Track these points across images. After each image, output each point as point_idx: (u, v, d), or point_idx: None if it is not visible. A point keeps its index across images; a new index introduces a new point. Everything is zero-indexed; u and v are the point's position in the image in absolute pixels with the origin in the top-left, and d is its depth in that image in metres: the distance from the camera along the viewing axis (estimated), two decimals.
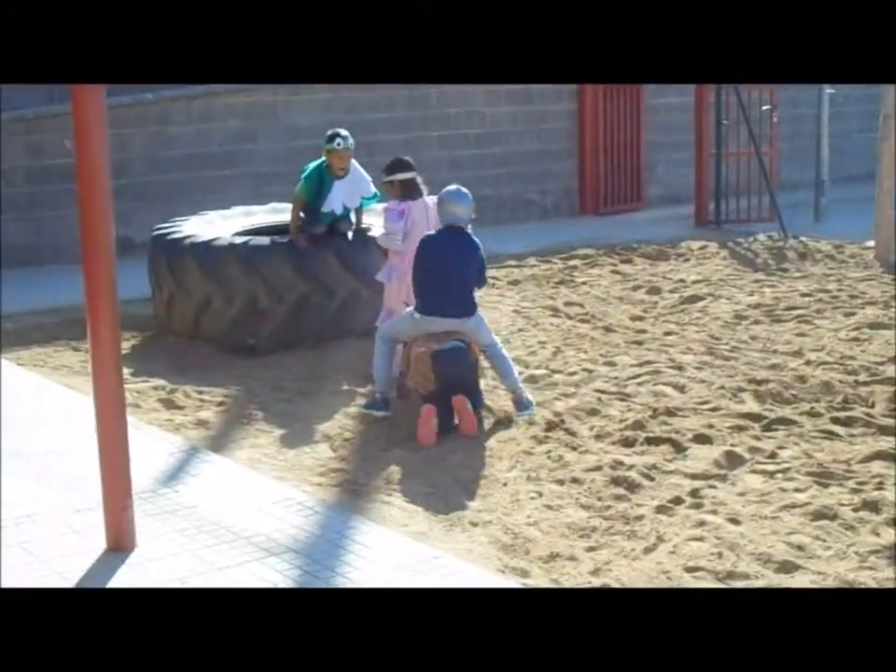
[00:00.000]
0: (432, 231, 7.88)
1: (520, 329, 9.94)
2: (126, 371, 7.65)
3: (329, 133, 9.22)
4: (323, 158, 9.23)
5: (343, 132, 9.21)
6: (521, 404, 7.58)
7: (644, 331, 9.82)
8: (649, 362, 8.78)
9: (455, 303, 7.60)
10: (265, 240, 9.45)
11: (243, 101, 14.25)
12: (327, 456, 6.95)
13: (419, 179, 8.65)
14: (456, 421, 7.32)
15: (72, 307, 10.16)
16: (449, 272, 7.61)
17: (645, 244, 13.74)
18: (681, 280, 11.78)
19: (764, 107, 15.65)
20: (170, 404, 7.97)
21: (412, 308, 7.74)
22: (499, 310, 10.65)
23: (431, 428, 7.18)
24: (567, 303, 10.85)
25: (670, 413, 7.52)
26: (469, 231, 7.84)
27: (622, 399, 7.93)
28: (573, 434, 7.18)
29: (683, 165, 17.23)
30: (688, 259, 13.03)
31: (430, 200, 8.74)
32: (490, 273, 12.07)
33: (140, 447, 6.40)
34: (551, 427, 7.30)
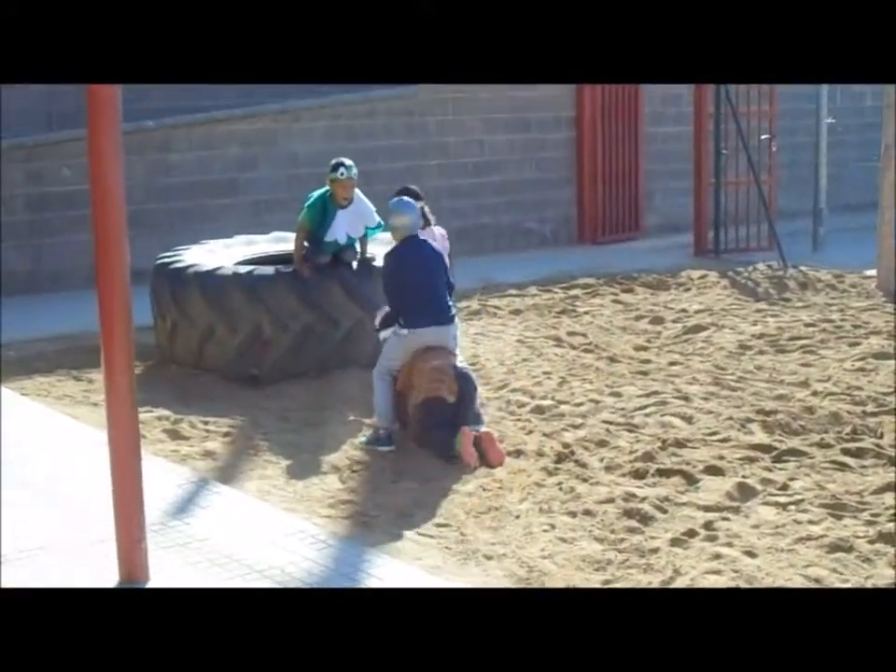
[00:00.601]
0: (390, 247, 7.91)
1: (524, 360, 9.90)
2: None
3: (333, 162, 9.20)
4: (326, 187, 9.21)
5: (347, 161, 9.19)
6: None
7: (649, 361, 9.80)
8: (655, 393, 8.75)
9: (442, 311, 7.71)
10: (269, 269, 9.42)
11: (243, 128, 14.25)
12: (336, 488, 6.91)
13: (427, 209, 8.66)
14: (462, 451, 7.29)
15: (72, 335, 10.16)
16: (428, 281, 7.71)
17: (645, 273, 13.73)
18: (683, 310, 11.77)
19: (763, 136, 15.68)
20: (175, 434, 7.92)
21: (392, 329, 7.74)
22: (503, 339, 10.62)
23: (474, 449, 7.23)
24: (571, 333, 10.82)
25: (679, 444, 7.49)
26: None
27: (630, 430, 7.89)
28: (583, 466, 7.14)
29: (681, 194, 17.24)
30: (689, 289, 13.02)
31: (438, 229, 8.74)
32: (491, 302, 12.19)
33: (148, 478, 6.33)
34: (561, 458, 7.27)
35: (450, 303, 7.86)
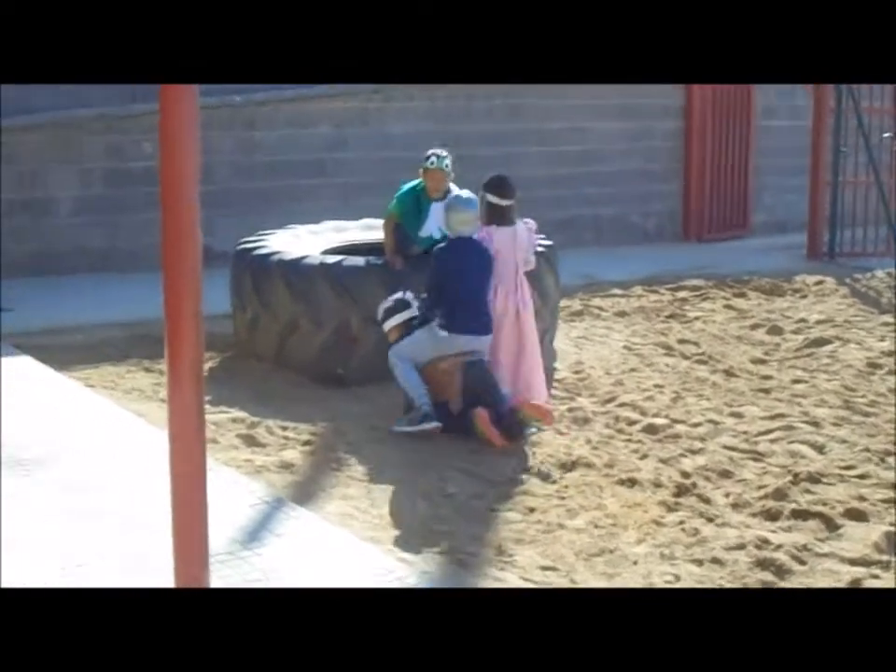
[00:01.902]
0: (442, 244, 7.69)
1: (632, 369, 9.06)
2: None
3: (428, 152, 8.49)
4: (420, 178, 8.48)
5: (442, 151, 8.51)
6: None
7: (770, 377, 8.91)
8: (780, 415, 7.89)
9: (484, 320, 7.50)
10: (359, 260, 8.64)
11: (334, 106, 13.50)
12: (426, 514, 6.11)
13: (514, 207, 7.88)
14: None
15: (147, 321, 9.41)
16: (473, 286, 7.48)
17: (757, 276, 12.82)
18: (802, 319, 10.84)
19: (885, 135, 14.68)
20: (251, 441, 7.18)
21: (433, 325, 7.44)
22: (608, 345, 9.78)
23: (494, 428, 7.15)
24: (681, 341, 9.96)
25: (813, 479, 6.63)
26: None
27: (755, 459, 7.05)
28: (707, 501, 6.31)
29: (790, 192, 16.35)
30: (805, 296, 12.09)
31: (521, 225, 7.97)
32: (595, 301, 11.34)
33: (217, 495, 5.58)
34: (681, 491, 6.43)
35: (490, 312, 7.58)
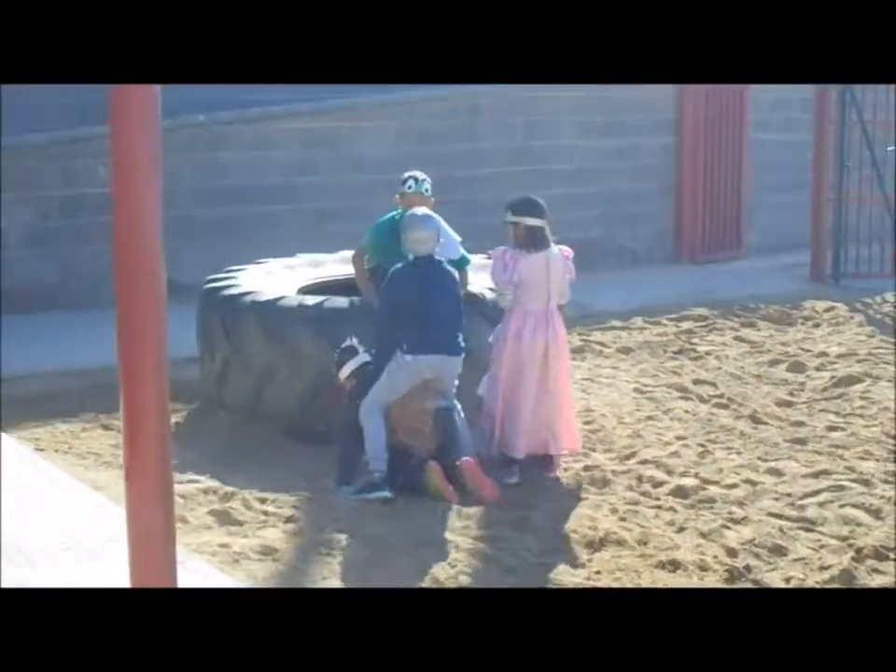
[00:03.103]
0: (399, 265, 6.99)
1: (648, 417, 8.13)
2: None
3: (405, 175, 7.61)
4: (399, 209, 7.53)
5: (420, 174, 7.62)
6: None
7: (801, 424, 8.00)
8: (824, 472, 7.00)
9: (451, 339, 6.85)
10: (342, 301, 7.69)
11: (304, 126, 12.52)
12: None
13: (545, 230, 7.02)
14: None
15: (106, 366, 8.32)
16: (437, 304, 6.84)
17: (762, 302, 11.94)
18: (823, 353, 9.94)
19: (890, 148, 13.84)
20: (225, 518, 6.19)
21: (397, 354, 6.77)
22: (617, 388, 8.85)
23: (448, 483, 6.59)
24: (697, 381, 9.04)
25: (879, 555, 5.74)
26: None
27: (807, 529, 6.17)
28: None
29: (784, 210, 15.47)
30: (818, 325, 11.21)
31: (556, 250, 7.08)
32: (594, 336, 10.42)
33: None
34: (732, 576, 5.50)
35: (458, 333, 6.90)
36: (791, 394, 8.80)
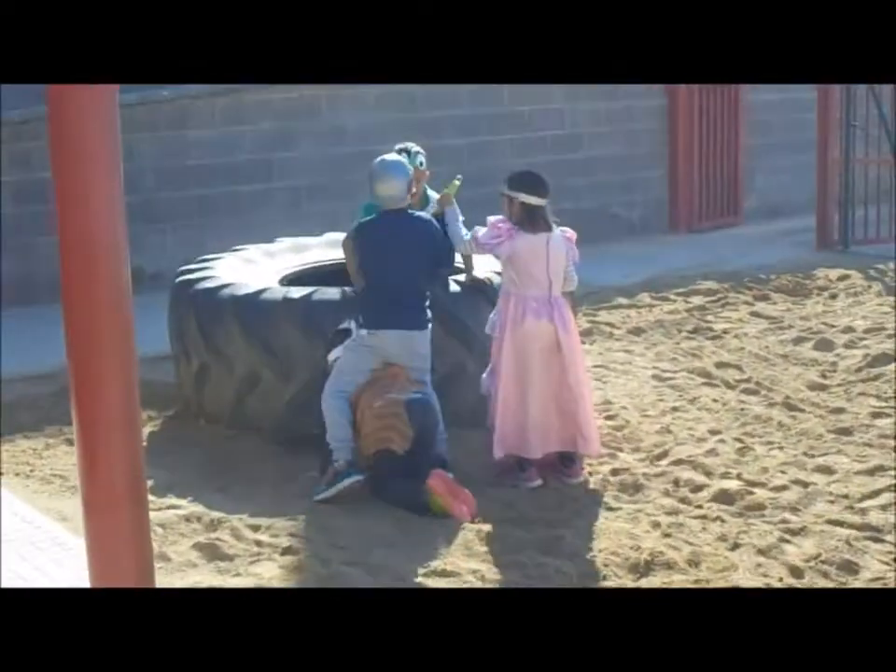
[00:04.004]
0: (366, 219, 6.43)
1: (674, 408, 7.36)
2: None
3: (396, 147, 6.90)
4: None
5: (413, 145, 6.95)
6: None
7: (842, 410, 7.26)
8: (879, 468, 6.28)
9: (412, 311, 6.20)
10: (333, 291, 6.88)
11: (278, 97, 11.65)
12: None
13: (548, 209, 6.27)
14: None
15: None
16: (396, 271, 6.19)
17: (772, 272, 11.17)
18: (849, 328, 9.15)
19: None
20: (213, 553, 5.40)
21: (353, 328, 6.25)
22: (634, 375, 8.07)
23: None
24: (720, 364, 8.26)
25: None
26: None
27: (874, 539, 5.45)
28: None
29: (782, 173, 14.73)
30: (835, 295, 10.45)
31: (559, 233, 6.35)
32: (601, 316, 9.65)
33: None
34: None
35: (420, 304, 6.26)
36: (824, 376, 8.05)
